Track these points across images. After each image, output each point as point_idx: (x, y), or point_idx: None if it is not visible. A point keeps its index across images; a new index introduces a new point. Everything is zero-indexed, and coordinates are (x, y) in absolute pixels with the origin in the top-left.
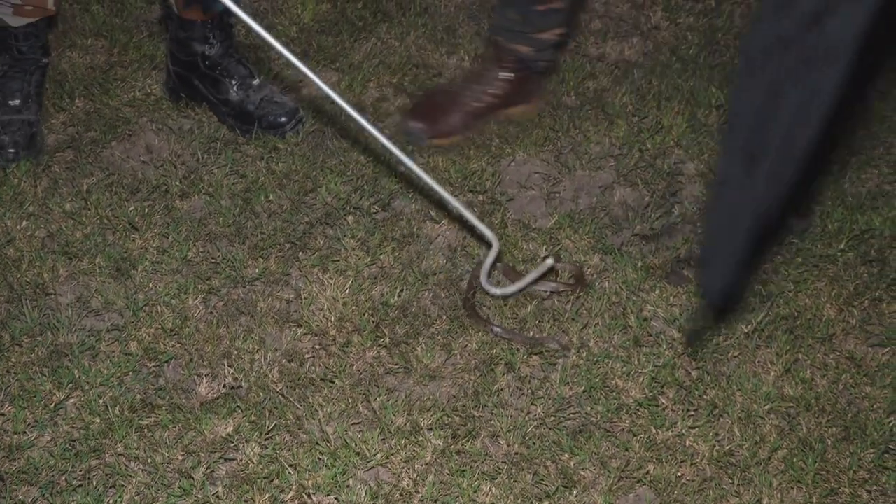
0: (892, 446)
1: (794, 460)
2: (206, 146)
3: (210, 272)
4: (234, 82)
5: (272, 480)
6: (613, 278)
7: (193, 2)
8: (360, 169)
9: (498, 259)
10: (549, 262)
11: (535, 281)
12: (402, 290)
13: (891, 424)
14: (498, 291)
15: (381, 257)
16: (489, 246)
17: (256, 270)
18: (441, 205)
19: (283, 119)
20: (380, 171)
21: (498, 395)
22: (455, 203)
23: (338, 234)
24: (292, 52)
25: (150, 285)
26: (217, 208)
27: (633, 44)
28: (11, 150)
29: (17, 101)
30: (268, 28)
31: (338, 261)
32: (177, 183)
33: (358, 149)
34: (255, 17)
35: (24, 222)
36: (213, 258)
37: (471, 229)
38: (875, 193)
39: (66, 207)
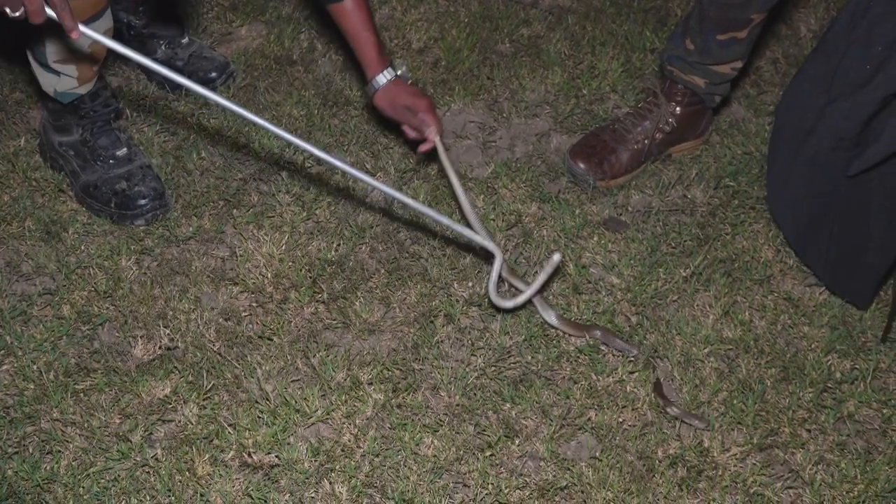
0: (829, 385)
1: (735, 402)
2: (136, 104)
3: (143, 233)
4: (161, 42)
5: (212, 441)
6: (551, 226)
7: None
8: (293, 123)
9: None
10: (557, 257)
11: (546, 282)
12: (338, 245)
13: (829, 363)
14: (510, 304)
15: (317, 212)
16: (490, 257)
17: (190, 229)
18: (377, 156)
19: (213, 74)
20: (313, 125)
21: (438, 348)
22: (454, 225)
23: (272, 189)
24: (220, 4)
25: (82, 248)
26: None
27: None
28: (146, 201)
29: (123, 151)
30: None
31: (273, 217)
32: None
33: (290, 102)
34: None
35: None
36: None
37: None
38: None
39: None
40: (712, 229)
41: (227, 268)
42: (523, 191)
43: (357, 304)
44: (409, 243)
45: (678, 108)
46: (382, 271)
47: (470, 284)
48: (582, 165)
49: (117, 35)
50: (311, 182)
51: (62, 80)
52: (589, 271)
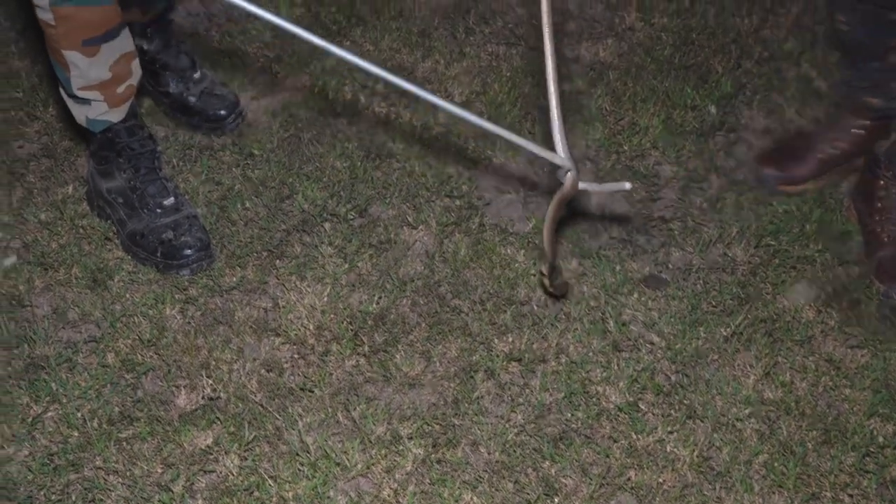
0: (872, 449)
1: (775, 465)
2: (182, 153)
3: (187, 282)
4: (173, 75)
5: (252, 492)
6: (592, 283)
7: (133, 6)
8: (336, 175)
9: None
10: (628, 185)
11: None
12: (380, 298)
13: (871, 427)
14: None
15: (359, 264)
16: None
17: (234, 279)
18: (419, 209)
19: (223, 112)
20: (356, 177)
21: (478, 403)
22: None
23: (315, 241)
24: (265, 56)
25: (127, 296)
26: None
27: (607, 45)
28: (191, 252)
29: (171, 200)
30: (242, 33)
31: (315, 268)
32: None
33: (334, 154)
34: (228, 21)
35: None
36: None
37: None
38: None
39: (42, 217)
40: (753, 288)
41: (269, 318)
42: (564, 246)
43: (398, 357)
44: (450, 297)
45: (862, 123)
46: (423, 325)
47: (510, 339)
48: (769, 171)
49: None
50: (354, 234)
51: (92, 106)
52: (629, 328)
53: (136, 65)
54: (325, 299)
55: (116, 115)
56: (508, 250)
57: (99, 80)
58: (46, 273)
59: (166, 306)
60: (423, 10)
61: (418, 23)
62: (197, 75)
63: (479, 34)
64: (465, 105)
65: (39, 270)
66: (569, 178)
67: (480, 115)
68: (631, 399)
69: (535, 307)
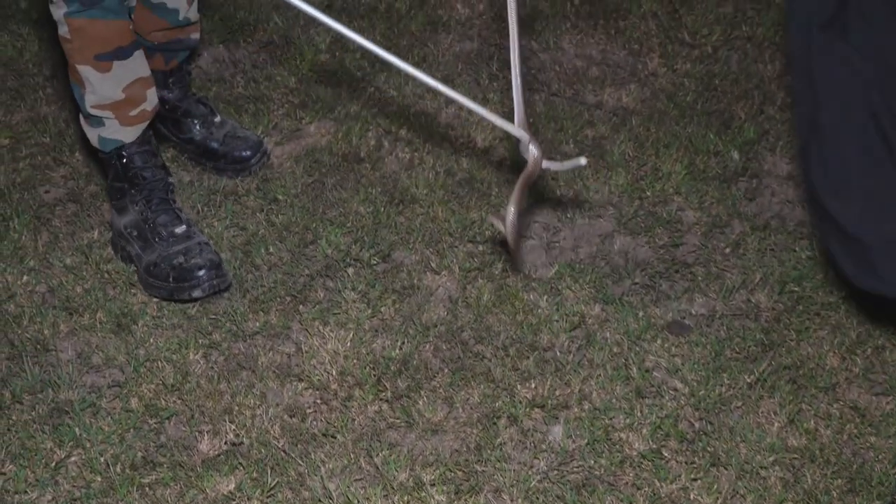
0: None
1: None
2: (207, 199)
3: (211, 326)
4: (195, 122)
5: None
6: (615, 328)
7: (158, 53)
8: (359, 220)
9: None
10: (583, 160)
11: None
12: (403, 343)
13: None
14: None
15: (382, 309)
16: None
17: (257, 324)
18: (442, 254)
19: (248, 153)
20: (380, 222)
21: (501, 449)
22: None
23: (338, 286)
24: (290, 102)
25: (151, 340)
26: None
27: (630, 91)
28: (203, 272)
29: (182, 228)
30: (267, 79)
31: (338, 313)
32: None
33: (357, 199)
34: (253, 68)
35: (25, 277)
36: (213, 312)
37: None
38: None
39: (67, 262)
40: (777, 335)
41: (292, 364)
42: (587, 292)
43: (420, 403)
44: (473, 343)
45: None
46: (446, 370)
47: (533, 385)
48: None
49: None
50: (377, 279)
51: (105, 126)
52: (652, 375)
53: (151, 93)
54: (349, 344)
55: (128, 136)
56: (531, 296)
57: (111, 100)
58: (71, 318)
59: (190, 351)
60: (447, 57)
61: (441, 69)
62: (217, 120)
63: (503, 80)
64: (488, 150)
65: (64, 315)
66: (531, 153)
67: (503, 160)
68: (654, 446)
69: (558, 353)
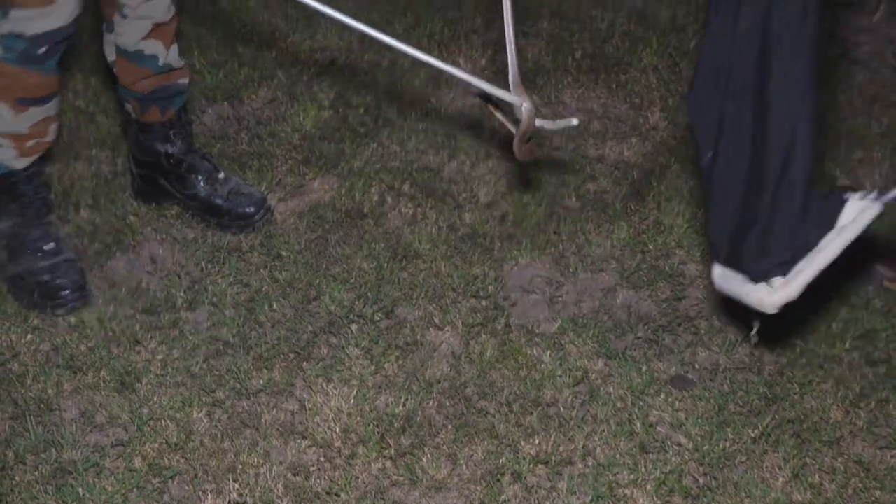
0: None
1: None
2: (210, 255)
3: (214, 384)
4: (200, 177)
5: None
6: (618, 383)
7: (151, 104)
8: (362, 276)
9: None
10: (575, 121)
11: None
12: (406, 400)
13: None
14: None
15: (385, 366)
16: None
17: (261, 381)
18: (445, 310)
19: (251, 209)
20: (383, 278)
21: None
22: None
23: (342, 342)
24: (293, 158)
25: (155, 399)
26: (221, 319)
27: (632, 144)
28: (67, 292)
29: (51, 245)
30: (270, 135)
31: (342, 370)
32: (181, 294)
33: (361, 255)
34: (257, 124)
35: (29, 336)
36: (217, 370)
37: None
38: (878, 293)
39: (71, 321)
40: (780, 388)
41: (296, 421)
42: (590, 347)
43: (424, 460)
44: (477, 399)
45: None
46: (450, 427)
47: (537, 441)
48: (877, 266)
49: (157, 167)
50: (380, 335)
51: (2, 149)
52: (656, 430)
53: (53, 129)
54: (352, 401)
55: (21, 164)
56: (534, 351)
57: (14, 133)
58: (75, 376)
59: (193, 409)
60: (449, 112)
61: (444, 124)
62: (222, 176)
63: (503, 136)
64: (490, 205)
65: (68, 373)
66: (526, 112)
67: (505, 215)
68: (659, 502)
69: (562, 408)
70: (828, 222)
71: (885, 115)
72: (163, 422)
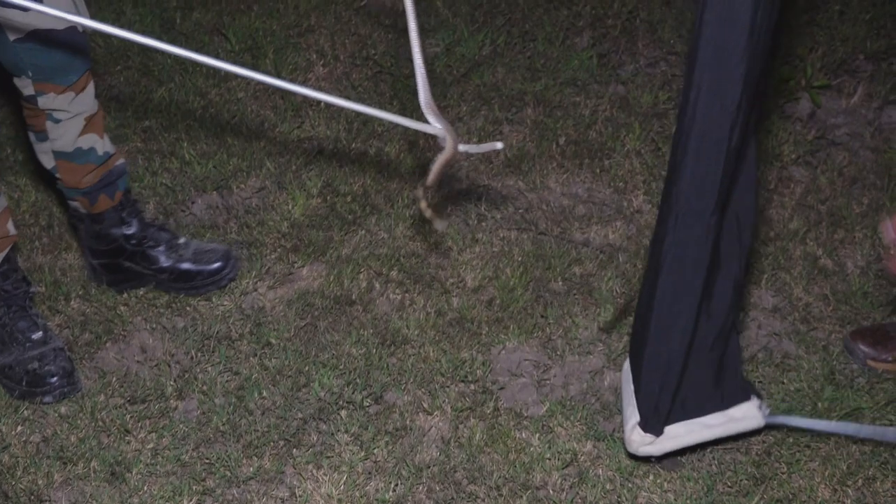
0: None
1: None
2: (200, 344)
3: (205, 473)
4: (162, 248)
5: None
6: (607, 465)
7: (100, 193)
8: (352, 362)
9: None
10: (499, 145)
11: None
12: (396, 485)
13: None
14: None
15: (375, 451)
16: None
17: (251, 469)
18: (434, 395)
19: (219, 264)
20: (372, 364)
21: None
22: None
23: (331, 429)
24: (282, 246)
25: (145, 488)
26: (211, 407)
27: (616, 227)
28: (55, 379)
29: (39, 334)
30: (259, 224)
31: (332, 456)
32: (171, 383)
33: (350, 341)
34: (246, 213)
35: (20, 427)
36: (207, 458)
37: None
38: (861, 371)
39: (62, 411)
40: (768, 468)
41: None
42: (578, 429)
43: None
44: (466, 483)
45: None
46: None
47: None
48: (861, 346)
49: (118, 252)
50: (370, 421)
51: None
52: None
53: (10, 224)
54: (342, 488)
55: None
56: (523, 434)
57: None
58: (65, 467)
59: (184, 498)
60: (435, 199)
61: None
62: (182, 241)
63: (491, 220)
64: (477, 290)
65: (58, 464)
66: (448, 141)
67: (493, 299)
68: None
69: (551, 491)
70: (726, 402)
71: (864, 195)
72: None
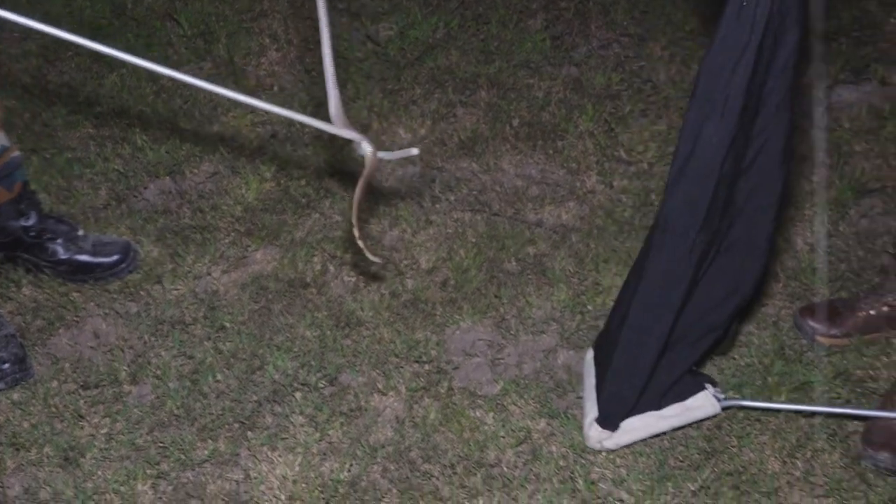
0: None
1: None
2: (154, 329)
3: (159, 456)
4: (60, 241)
5: None
6: (560, 442)
7: None
8: (306, 344)
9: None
10: (415, 151)
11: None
12: (351, 465)
13: None
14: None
15: (330, 432)
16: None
17: (205, 452)
18: (388, 375)
19: (118, 257)
20: (326, 346)
21: None
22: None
23: (286, 411)
24: (236, 230)
25: (99, 473)
26: (165, 391)
27: (569, 208)
28: (7, 366)
29: None
30: (213, 208)
31: (287, 438)
32: (125, 368)
33: (304, 324)
34: (199, 198)
35: None
36: (161, 442)
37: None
38: (810, 347)
39: (14, 397)
40: (718, 442)
41: (241, 490)
42: (532, 407)
43: None
44: (421, 462)
45: None
46: (395, 491)
47: (481, 502)
48: (810, 322)
49: (17, 244)
50: (324, 402)
51: None
52: (598, 487)
53: None
54: (297, 469)
55: None
56: (477, 413)
57: None
58: (18, 453)
59: (138, 482)
60: (390, 181)
61: (385, 193)
62: (81, 233)
63: (445, 202)
64: (431, 271)
65: (11, 451)
66: (366, 150)
67: (447, 280)
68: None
69: (505, 469)
70: (682, 396)
71: (815, 174)
72: (107, 496)
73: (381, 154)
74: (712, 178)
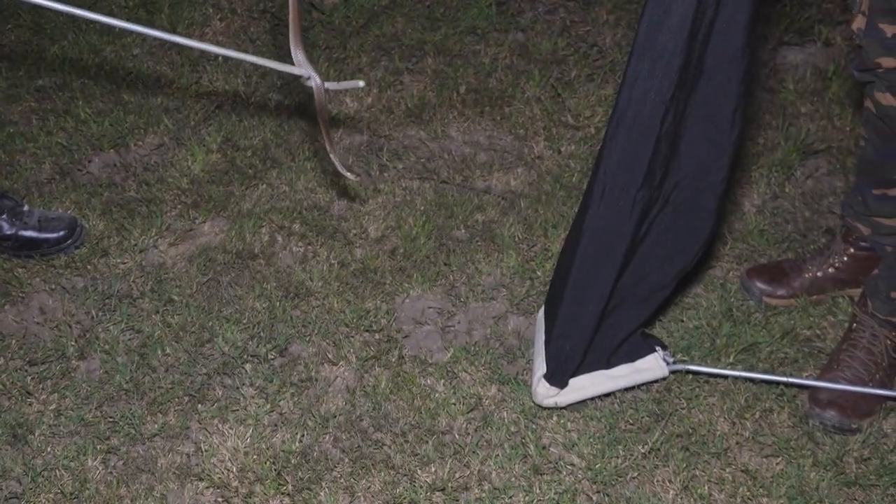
0: None
1: None
2: (101, 303)
3: (109, 431)
4: (4, 216)
5: None
6: (511, 408)
7: None
8: (255, 316)
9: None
10: (361, 83)
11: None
12: (302, 436)
13: None
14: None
15: (281, 403)
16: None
17: (156, 426)
18: (339, 345)
19: (64, 232)
20: (275, 317)
21: None
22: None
23: (236, 383)
24: (182, 202)
25: (49, 449)
26: (114, 366)
27: (518, 174)
28: None
29: None
30: (159, 181)
31: (237, 410)
32: (72, 343)
33: (253, 295)
34: (145, 171)
35: None
36: (111, 417)
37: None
38: (758, 308)
39: None
40: (668, 404)
41: (192, 463)
42: (482, 374)
43: (322, 494)
44: (372, 431)
45: (850, 249)
46: (346, 460)
47: (433, 469)
48: (758, 284)
49: None
50: (275, 374)
51: None
52: (549, 451)
53: None
54: (248, 440)
55: None
56: (428, 381)
57: None
58: None
59: (88, 457)
60: (338, 149)
61: (332, 163)
62: (26, 209)
63: (393, 170)
64: (380, 240)
65: None
66: (314, 84)
67: (396, 248)
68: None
69: (457, 435)
70: (631, 357)
71: (760, 135)
72: (57, 472)
73: (328, 84)
74: (652, 135)
